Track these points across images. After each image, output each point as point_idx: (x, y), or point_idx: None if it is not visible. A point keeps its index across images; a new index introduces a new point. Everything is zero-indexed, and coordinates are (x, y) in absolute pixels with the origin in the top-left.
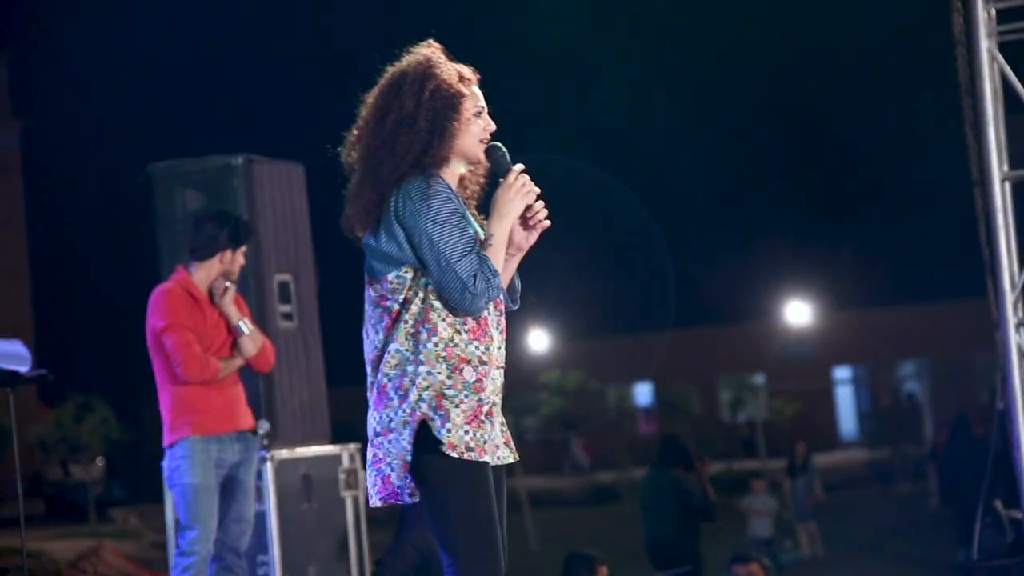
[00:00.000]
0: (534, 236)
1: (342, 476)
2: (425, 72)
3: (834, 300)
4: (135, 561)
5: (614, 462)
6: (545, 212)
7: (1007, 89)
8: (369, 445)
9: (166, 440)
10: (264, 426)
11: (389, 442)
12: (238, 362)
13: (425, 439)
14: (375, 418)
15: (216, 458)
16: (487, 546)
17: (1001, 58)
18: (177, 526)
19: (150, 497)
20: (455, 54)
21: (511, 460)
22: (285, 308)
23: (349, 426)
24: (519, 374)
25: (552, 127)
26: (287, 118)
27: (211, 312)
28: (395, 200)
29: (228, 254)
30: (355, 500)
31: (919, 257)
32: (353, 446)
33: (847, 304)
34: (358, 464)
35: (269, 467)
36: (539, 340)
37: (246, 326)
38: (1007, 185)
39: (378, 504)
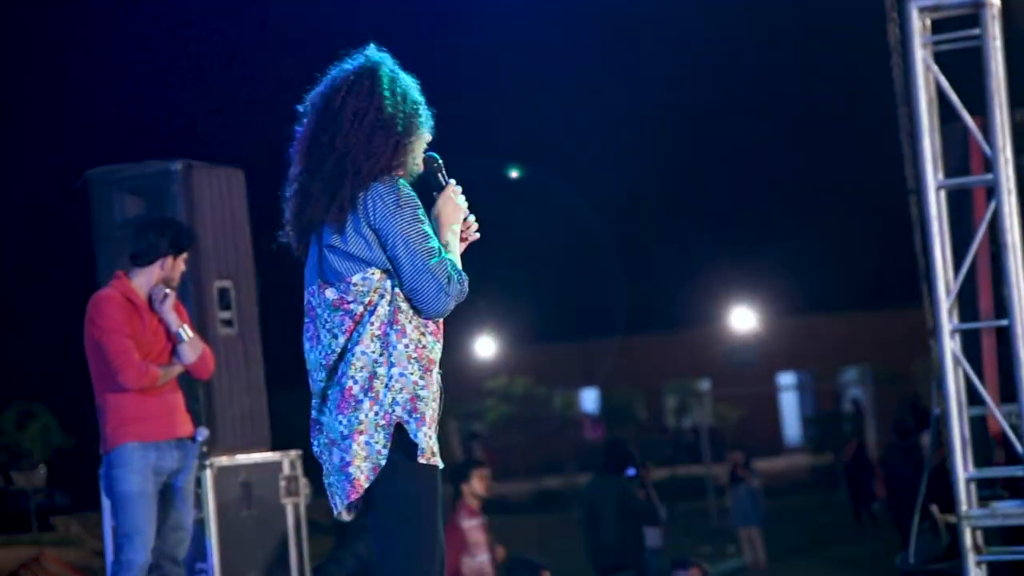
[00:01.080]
0: (462, 247)
1: (282, 483)
2: (395, 77)
3: (779, 307)
4: (77, 569)
5: (560, 468)
6: (476, 225)
7: (942, 98)
8: (334, 448)
9: (103, 447)
10: (203, 433)
11: (359, 445)
12: (177, 369)
13: (399, 443)
14: (340, 421)
15: (154, 465)
16: (439, 557)
17: (936, 68)
18: (115, 534)
19: (93, 505)
20: (402, 59)
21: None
22: (225, 315)
23: (289, 433)
24: (466, 380)
25: (501, 133)
26: (227, 123)
27: (150, 318)
28: (365, 201)
29: (169, 260)
30: (295, 507)
31: (863, 264)
32: (294, 453)
33: (792, 311)
34: (299, 471)
35: (208, 474)
36: (486, 346)
37: (186, 333)
38: (942, 193)
39: (341, 512)
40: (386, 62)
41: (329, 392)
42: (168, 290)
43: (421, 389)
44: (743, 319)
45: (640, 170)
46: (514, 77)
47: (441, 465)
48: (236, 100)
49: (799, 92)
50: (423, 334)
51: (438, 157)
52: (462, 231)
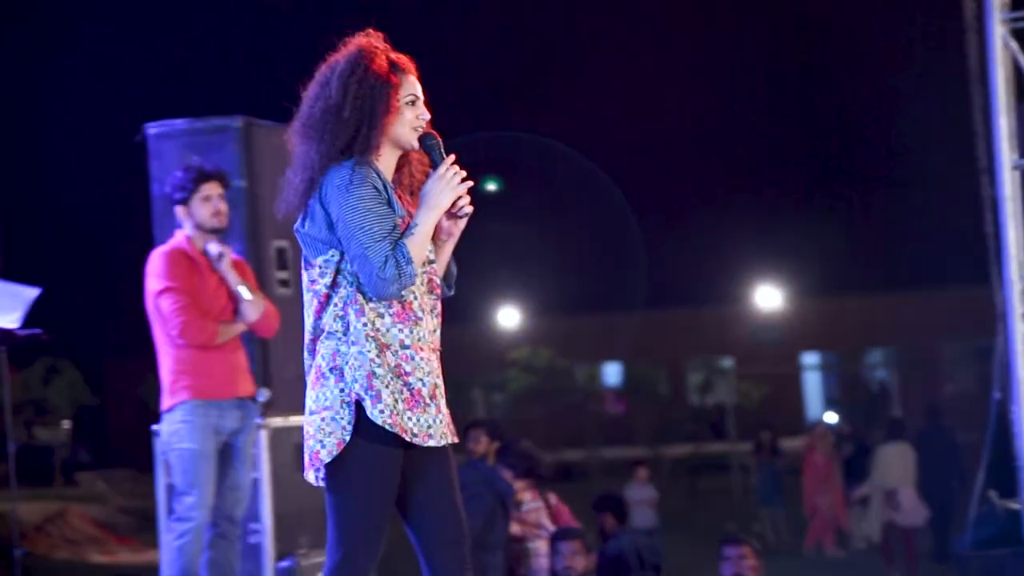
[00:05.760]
0: (461, 224)
1: None
2: (355, 62)
3: (805, 286)
4: (102, 525)
5: (581, 441)
6: (469, 204)
7: (1017, 76)
8: (305, 423)
9: (164, 404)
10: (264, 394)
11: (323, 420)
12: (239, 327)
13: (360, 420)
14: (311, 397)
15: (215, 424)
16: (369, 541)
17: (1014, 44)
18: (172, 491)
19: (115, 461)
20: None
21: (452, 441)
22: (282, 275)
23: None
24: (488, 350)
25: (528, 106)
26: (289, 83)
27: (211, 276)
28: (321, 186)
29: (180, 209)
30: None
31: (891, 246)
32: None
33: (818, 290)
34: None
35: (264, 435)
36: (509, 317)
37: (246, 291)
38: (1016, 174)
39: (312, 480)
40: (360, 46)
41: (308, 369)
42: (222, 248)
43: (377, 367)
44: (768, 297)
45: (668, 144)
46: (537, 44)
47: (430, 443)
48: (300, 61)
49: (841, 67)
50: (379, 315)
51: (434, 135)
52: (452, 209)
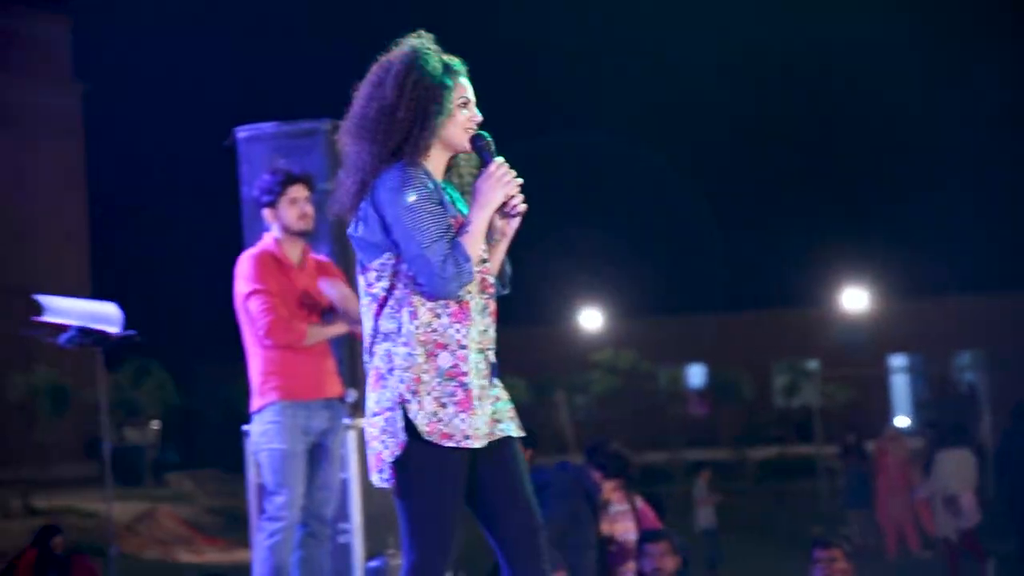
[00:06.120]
0: (515, 223)
1: None
2: (409, 63)
3: (891, 288)
4: (191, 525)
5: (664, 443)
6: (523, 202)
7: None
8: (367, 424)
9: (254, 405)
10: (352, 395)
11: (386, 420)
12: (330, 331)
13: (409, 422)
14: (372, 399)
15: (303, 425)
16: (441, 541)
17: None
18: (263, 491)
19: (203, 462)
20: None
21: (516, 434)
22: None
23: None
24: (571, 352)
25: (610, 108)
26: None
27: (298, 279)
28: (374, 188)
29: (267, 212)
30: None
31: (978, 247)
32: None
33: (904, 292)
34: None
35: (352, 436)
36: (592, 319)
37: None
38: None
39: (377, 482)
40: (414, 48)
41: (367, 372)
42: (333, 283)
43: (424, 372)
44: (855, 299)
45: (752, 147)
46: (621, 42)
47: (474, 445)
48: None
49: (920, 68)
50: (437, 316)
51: (486, 135)
52: (505, 208)
